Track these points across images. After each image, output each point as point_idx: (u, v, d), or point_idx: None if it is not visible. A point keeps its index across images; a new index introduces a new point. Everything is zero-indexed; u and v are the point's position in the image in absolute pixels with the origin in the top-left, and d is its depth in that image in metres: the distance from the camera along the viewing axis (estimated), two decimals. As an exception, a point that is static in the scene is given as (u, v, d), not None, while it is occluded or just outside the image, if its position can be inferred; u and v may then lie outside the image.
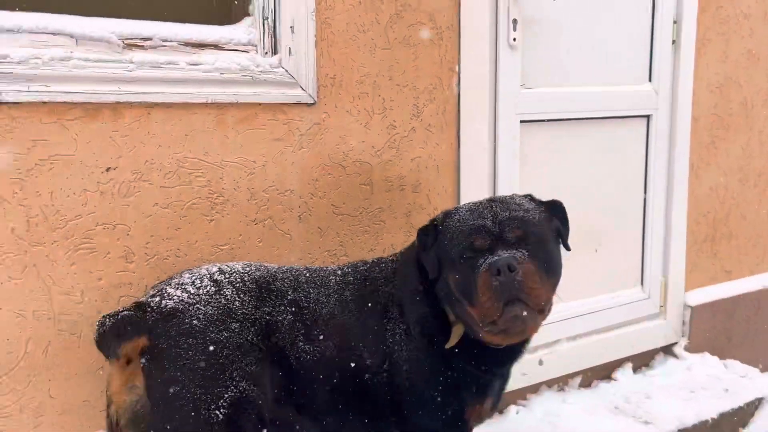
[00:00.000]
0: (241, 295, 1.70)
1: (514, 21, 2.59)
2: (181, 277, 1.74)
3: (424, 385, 1.79)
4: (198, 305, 1.64)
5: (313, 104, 2.19)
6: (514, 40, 2.60)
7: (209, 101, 2.00)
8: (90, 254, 1.89)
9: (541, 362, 2.89)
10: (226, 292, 1.69)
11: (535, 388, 2.91)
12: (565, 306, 2.86)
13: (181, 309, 1.63)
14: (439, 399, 1.80)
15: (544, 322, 1.82)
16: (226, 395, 1.59)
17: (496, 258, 1.64)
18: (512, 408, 2.82)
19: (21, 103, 1.75)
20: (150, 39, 1.92)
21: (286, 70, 2.12)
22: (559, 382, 2.96)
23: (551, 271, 1.76)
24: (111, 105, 1.87)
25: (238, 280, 1.74)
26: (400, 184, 2.42)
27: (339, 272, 1.90)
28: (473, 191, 2.56)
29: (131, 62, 1.87)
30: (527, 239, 1.72)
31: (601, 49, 2.91)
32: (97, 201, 1.88)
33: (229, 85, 2.03)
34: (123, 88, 1.87)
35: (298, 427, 1.82)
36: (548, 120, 2.76)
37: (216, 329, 1.62)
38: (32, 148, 1.78)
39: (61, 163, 1.82)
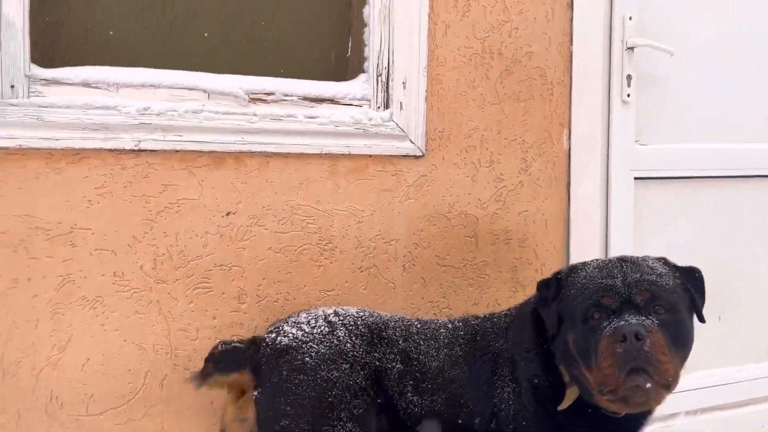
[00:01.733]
0: (353, 338, 1.73)
1: (629, 77, 2.54)
2: (298, 316, 1.80)
3: None
4: (311, 343, 1.69)
5: (421, 156, 2.24)
6: (628, 96, 2.54)
7: (323, 152, 2.10)
8: (207, 294, 2.00)
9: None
10: (339, 334, 1.72)
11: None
12: (687, 376, 2.66)
13: (294, 346, 1.68)
14: None
15: (670, 393, 1.70)
16: None
17: (623, 323, 1.56)
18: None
19: (157, 150, 1.92)
20: (273, 93, 2.05)
21: (397, 124, 2.19)
22: (677, 461, 2.73)
23: (681, 343, 1.65)
24: (234, 154, 2.00)
25: (352, 323, 1.77)
26: (506, 238, 2.39)
27: (450, 326, 1.88)
28: (583, 248, 2.48)
29: (254, 114, 2.01)
30: (658, 305, 1.63)
31: (722, 105, 2.79)
32: (216, 243, 2.00)
33: (342, 138, 2.12)
34: (246, 138, 2.00)
35: None
36: (665, 177, 2.65)
37: (327, 368, 1.65)
38: (163, 192, 1.94)
39: (187, 207, 1.96)
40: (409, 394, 1.75)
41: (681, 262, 1.82)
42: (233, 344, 1.71)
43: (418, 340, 1.82)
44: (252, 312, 2.05)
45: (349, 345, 1.72)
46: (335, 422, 1.63)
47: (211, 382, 1.70)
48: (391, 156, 2.20)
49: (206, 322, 2.00)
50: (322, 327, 1.74)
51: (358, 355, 1.72)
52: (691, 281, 1.80)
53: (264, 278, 2.06)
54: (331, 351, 1.69)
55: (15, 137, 1.76)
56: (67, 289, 1.84)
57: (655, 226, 2.66)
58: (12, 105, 1.76)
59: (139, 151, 1.90)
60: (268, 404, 1.64)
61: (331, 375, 1.66)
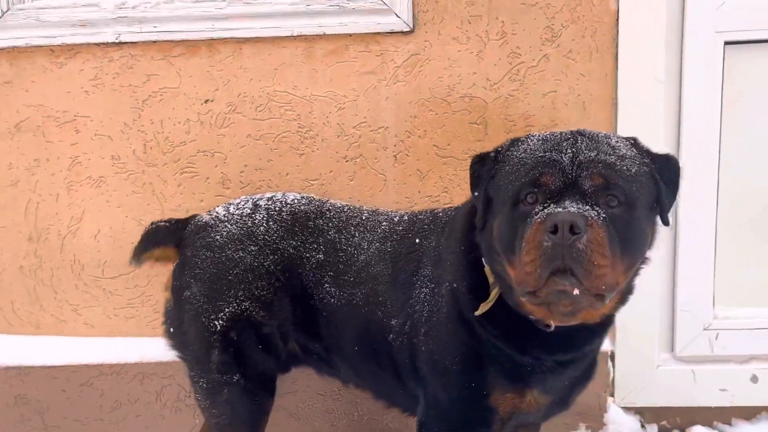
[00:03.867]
0: (270, 223, 1.70)
1: None
2: (238, 198, 1.82)
3: (443, 354, 1.51)
4: (227, 223, 1.71)
5: (410, 32, 1.99)
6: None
7: (296, 34, 2.00)
8: (193, 178, 2.13)
9: (755, 378, 2.11)
10: (257, 217, 1.70)
11: (746, 412, 2.15)
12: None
13: (211, 224, 1.72)
14: (458, 373, 1.49)
15: (622, 307, 1.44)
16: (226, 309, 1.63)
17: (559, 210, 1.23)
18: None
19: (137, 42, 2.05)
20: (242, -25, 2.01)
21: (378, -4, 1.97)
22: (782, 412, 2.12)
23: (631, 246, 1.31)
24: (207, 41, 2.04)
25: (276, 208, 1.73)
26: (526, 125, 2.02)
27: (396, 219, 1.72)
28: (641, 135, 1.96)
29: (223, 0, 2.00)
30: (611, 195, 1.28)
31: None
32: (197, 130, 2.10)
33: (315, 17, 1.99)
34: (216, 25, 2.01)
35: (328, 366, 1.77)
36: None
37: (234, 248, 1.66)
38: (146, 82, 2.08)
39: (168, 95, 2.08)
40: (327, 285, 1.67)
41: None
42: (160, 224, 1.81)
43: (354, 232, 1.70)
44: (236, 196, 2.12)
45: (262, 228, 1.69)
46: (231, 299, 1.64)
47: (143, 258, 1.82)
48: (374, 34, 2.00)
49: (195, 204, 2.13)
50: (245, 209, 1.73)
51: (270, 239, 1.68)
52: (663, 171, 1.40)
53: (246, 165, 2.11)
54: (242, 232, 1.68)
55: (23, 37, 2.05)
56: (76, 170, 2.14)
57: (759, 110, 1.97)
58: (19, 9, 2.04)
59: (121, 43, 2.05)
60: (179, 275, 1.72)
61: (236, 254, 1.66)
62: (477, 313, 1.43)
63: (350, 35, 2.01)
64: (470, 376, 1.48)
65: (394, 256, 1.64)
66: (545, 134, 1.40)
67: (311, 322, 1.70)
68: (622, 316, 1.89)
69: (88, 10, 2.02)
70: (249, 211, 1.72)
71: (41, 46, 2.06)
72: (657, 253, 1.81)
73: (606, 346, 2.10)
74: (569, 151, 1.31)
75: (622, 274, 1.31)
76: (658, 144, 1.96)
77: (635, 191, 1.32)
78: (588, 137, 1.36)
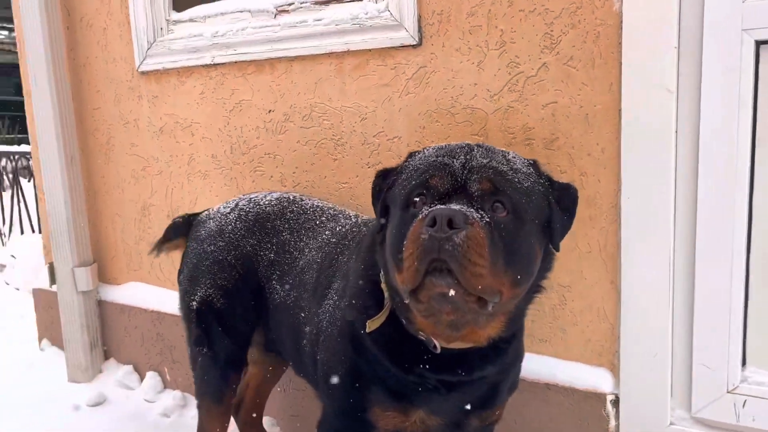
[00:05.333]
0: (236, 222, 1.99)
1: None
2: (235, 198, 2.15)
3: (330, 365, 1.61)
4: (211, 220, 2.06)
5: (418, 45, 2.06)
6: None
7: (329, 51, 2.24)
8: (261, 176, 2.53)
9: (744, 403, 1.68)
10: (231, 216, 2.02)
11: None
12: None
13: (203, 220, 2.09)
14: (340, 386, 1.57)
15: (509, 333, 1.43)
16: (198, 293, 1.99)
17: (441, 206, 1.25)
18: None
19: (225, 63, 2.52)
20: (293, 3, 2.32)
21: (391, 13, 2.08)
22: None
23: (514, 258, 1.28)
24: (269, 61, 2.40)
25: (245, 209, 2.01)
26: (525, 138, 1.92)
27: (339, 228, 1.84)
28: (650, 153, 1.72)
29: (278, 25, 2.34)
30: (498, 202, 1.29)
31: None
32: (264, 136, 2.48)
33: (341, 35, 2.20)
34: (274, 47, 2.36)
35: (278, 350, 2.00)
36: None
37: (209, 242, 2.01)
38: (231, 95, 2.54)
39: (245, 106, 2.51)
40: (274, 282, 1.90)
41: None
42: (176, 220, 2.21)
43: (303, 236, 1.90)
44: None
45: (230, 227, 1.98)
46: (200, 286, 1.98)
47: (162, 248, 2.22)
48: (389, 49, 2.12)
49: (263, 198, 2.53)
50: (227, 208, 2.05)
51: (233, 237, 1.96)
52: (561, 198, 1.40)
53: (296, 167, 2.42)
54: (216, 229, 2.00)
55: (162, 62, 2.70)
56: (192, 165, 2.72)
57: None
58: (159, 41, 2.69)
59: (216, 64, 2.55)
60: (181, 262, 2.11)
61: (209, 248, 1.99)
62: (367, 330, 1.46)
63: (370, 50, 2.16)
64: (351, 390, 1.54)
65: (320, 268, 1.77)
66: (443, 144, 1.44)
67: (264, 313, 1.94)
68: (629, 354, 1.73)
69: (196, 39, 2.56)
70: (228, 210, 2.02)
71: (171, 69, 2.68)
72: (667, 279, 1.64)
73: (608, 387, 1.88)
74: (462, 157, 1.34)
75: (506, 285, 1.27)
76: (670, 164, 1.69)
77: (524, 203, 1.30)
78: (485, 148, 1.38)
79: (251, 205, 2.01)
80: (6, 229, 5.18)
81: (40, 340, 3.49)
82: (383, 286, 1.48)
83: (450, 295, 1.21)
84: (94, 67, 2.94)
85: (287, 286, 1.85)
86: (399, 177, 1.43)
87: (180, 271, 2.09)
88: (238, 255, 1.95)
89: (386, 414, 1.52)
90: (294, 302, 1.82)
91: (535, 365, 1.96)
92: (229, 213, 2.02)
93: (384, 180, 1.50)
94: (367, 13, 2.13)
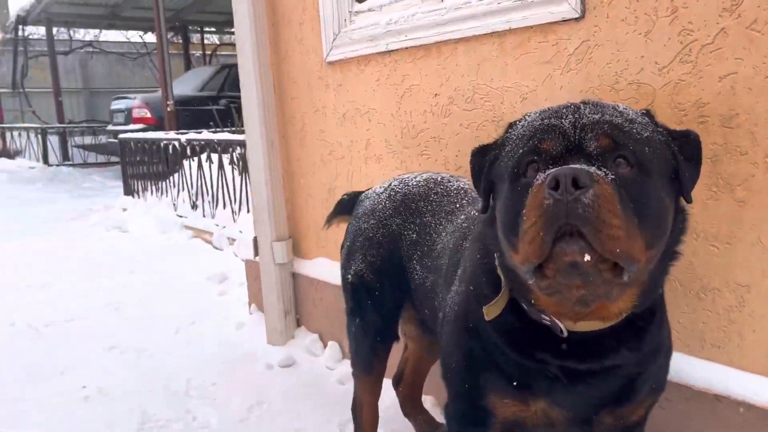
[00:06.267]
0: (386, 202, 2.06)
1: None
2: (392, 178, 2.21)
3: (448, 350, 1.61)
4: (368, 199, 2.16)
5: (580, 18, 1.92)
6: None
7: (491, 31, 2.19)
8: (427, 159, 2.57)
9: None
10: (382, 196, 2.10)
11: None
12: None
13: (362, 199, 2.20)
14: (457, 371, 1.56)
15: (644, 306, 1.30)
16: (353, 267, 2.11)
17: (561, 167, 1.14)
18: None
19: (397, 50, 2.60)
20: (459, -15, 2.30)
21: (552, -14, 1.97)
22: None
23: (648, 215, 1.16)
24: (436, 44, 2.42)
25: (395, 190, 2.07)
26: (699, 115, 1.69)
27: (474, 211, 1.80)
28: None
29: (444, 8, 2.35)
30: (621, 157, 1.20)
31: None
32: (430, 120, 2.51)
33: (502, 14, 2.13)
34: (440, 30, 2.38)
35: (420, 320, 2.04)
36: None
37: (364, 219, 2.11)
38: (402, 81, 2.61)
39: (414, 91, 2.56)
40: (414, 262, 1.94)
41: None
42: (344, 197, 2.32)
43: (442, 220, 1.90)
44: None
45: (380, 206, 2.05)
46: (355, 261, 2.09)
47: (334, 222, 2.36)
48: (550, 24, 2.01)
49: (431, 181, 2.57)
50: (381, 188, 2.12)
51: (383, 216, 2.03)
52: (684, 147, 1.29)
53: (459, 150, 2.42)
54: (370, 208, 2.09)
55: (344, 52, 2.87)
56: (369, 149, 2.86)
57: None
58: (343, 32, 2.86)
59: (389, 51, 2.63)
60: (344, 237, 2.23)
61: (363, 225, 2.09)
62: (486, 318, 1.40)
63: (531, 27, 2.06)
64: (467, 375, 1.51)
65: (451, 254, 1.76)
66: (545, 107, 1.37)
67: (409, 291, 1.98)
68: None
69: (373, 28, 2.68)
70: (381, 190, 2.10)
71: (352, 58, 2.83)
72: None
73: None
74: (571, 116, 1.26)
75: (641, 249, 1.15)
76: None
77: (648, 155, 1.22)
78: (592, 104, 1.31)
79: (400, 185, 2.07)
80: (237, 207, 5.92)
81: (249, 305, 3.96)
82: (499, 271, 1.41)
83: (584, 261, 1.10)
84: (292, 60, 3.22)
85: (425, 269, 1.87)
86: (502, 149, 1.36)
87: (342, 246, 2.23)
88: (386, 233, 2.02)
89: (504, 402, 1.46)
90: (431, 286, 1.83)
91: (703, 372, 1.74)
92: (381, 192, 2.10)
93: (483, 156, 1.43)
94: (529, -12, 2.04)
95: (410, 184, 2.06)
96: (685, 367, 1.76)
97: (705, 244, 1.73)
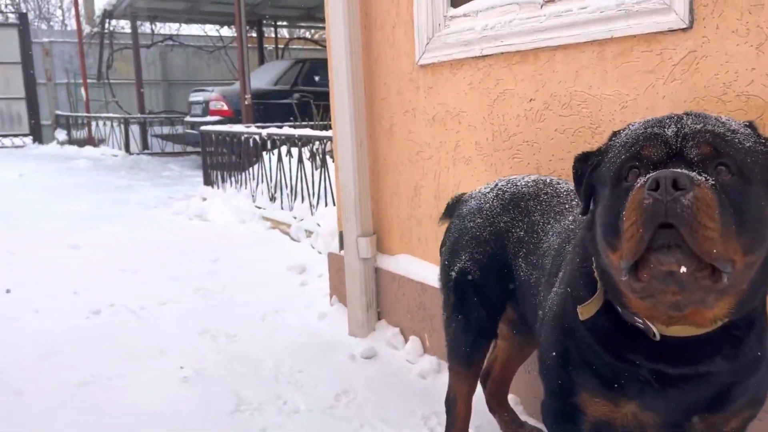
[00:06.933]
0: (494, 201, 2.13)
1: None
2: (498, 179, 2.28)
3: (544, 348, 1.68)
4: (472, 199, 2.23)
5: (688, 29, 1.92)
6: None
7: (592, 40, 2.22)
8: (519, 163, 2.61)
9: None
10: (489, 195, 2.16)
11: None
12: None
13: (465, 199, 2.28)
14: (552, 367, 1.62)
15: (740, 316, 1.33)
16: (457, 265, 2.18)
17: (660, 170, 1.20)
18: None
19: (492, 55, 2.65)
20: (559, -7, 2.33)
21: (659, -4, 1.98)
22: None
23: (747, 222, 1.20)
24: (533, 51, 2.46)
25: (503, 189, 2.14)
26: (812, 130, 1.68)
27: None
28: None
29: (543, 15, 2.38)
30: (722, 165, 1.25)
31: None
32: (523, 124, 2.56)
33: (605, 23, 2.15)
34: (538, 36, 2.41)
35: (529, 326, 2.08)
36: None
37: (469, 219, 2.18)
38: (496, 85, 2.66)
39: (508, 95, 2.61)
40: (520, 260, 2.00)
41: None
42: (451, 201, 2.38)
43: (550, 219, 1.96)
44: (544, 182, 2.50)
45: (488, 205, 2.12)
46: (459, 258, 2.16)
47: (444, 221, 2.42)
48: (655, 34, 2.02)
49: (520, 185, 2.61)
50: (487, 188, 2.19)
51: (490, 214, 2.10)
52: None
53: (553, 155, 2.45)
54: (476, 207, 2.16)
55: (437, 56, 2.94)
56: (457, 150, 2.93)
57: None
58: (437, 36, 2.94)
59: (484, 56, 2.69)
60: (444, 236, 2.30)
61: (469, 224, 2.16)
62: (581, 317, 1.46)
63: (634, 36, 2.08)
64: (561, 373, 1.57)
65: (555, 255, 1.81)
66: (648, 118, 1.42)
67: (513, 288, 2.04)
68: None
69: (467, 32, 2.74)
70: (487, 190, 2.16)
71: (445, 62, 2.90)
72: None
73: None
74: (673, 126, 1.32)
75: (738, 251, 1.19)
76: None
77: (750, 164, 1.26)
78: (695, 114, 1.36)
79: (509, 185, 2.13)
80: (315, 201, 6.09)
81: (330, 296, 4.10)
82: (596, 274, 1.46)
83: (680, 272, 1.16)
84: (383, 62, 3.32)
85: (530, 266, 1.93)
86: (605, 156, 1.42)
87: (442, 244, 2.31)
88: (493, 231, 2.08)
89: (594, 401, 1.51)
90: (534, 284, 1.89)
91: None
92: (488, 192, 2.17)
93: (586, 162, 1.49)
94: (633, -2, 2.06)
95: (519, 184, 2.12)
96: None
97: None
